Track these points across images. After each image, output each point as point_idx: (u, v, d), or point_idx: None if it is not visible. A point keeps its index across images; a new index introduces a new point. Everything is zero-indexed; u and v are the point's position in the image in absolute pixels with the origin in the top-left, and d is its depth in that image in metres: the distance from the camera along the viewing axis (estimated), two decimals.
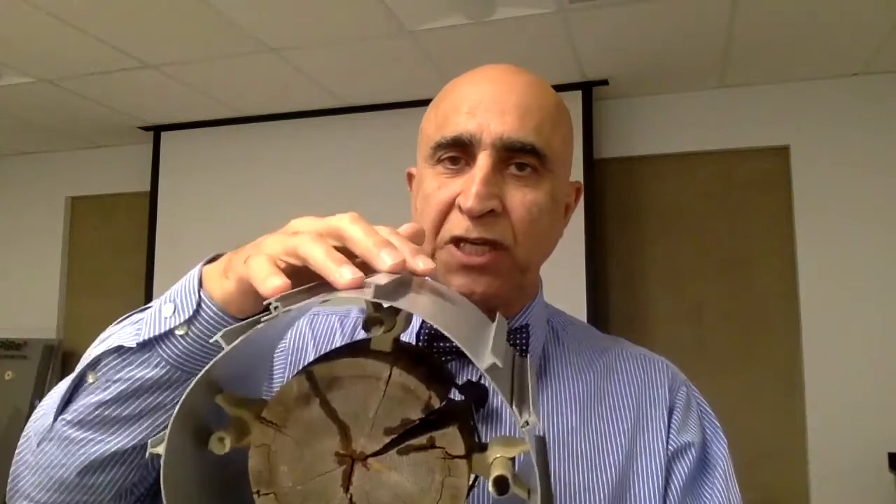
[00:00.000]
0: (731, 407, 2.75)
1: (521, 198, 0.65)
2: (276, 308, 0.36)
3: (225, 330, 0.37)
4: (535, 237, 0.66)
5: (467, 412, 0.41)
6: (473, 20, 2.31)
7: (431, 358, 0.41)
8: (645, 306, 2.93)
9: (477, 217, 0.62)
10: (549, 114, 0.68)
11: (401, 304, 0.37)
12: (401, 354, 0.40)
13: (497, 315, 0.46)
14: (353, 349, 0.39)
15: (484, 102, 0.66)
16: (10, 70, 2.71)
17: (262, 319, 0.37)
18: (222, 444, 0.38)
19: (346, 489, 0.38)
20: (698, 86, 2.90)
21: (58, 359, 3.47)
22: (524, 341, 0.70)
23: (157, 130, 3.42)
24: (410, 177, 0.77)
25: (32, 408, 3.33)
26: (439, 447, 0.38)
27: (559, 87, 2.82)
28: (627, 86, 2.89)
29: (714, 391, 3.12)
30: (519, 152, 0.65)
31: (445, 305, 0.42)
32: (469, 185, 0.62)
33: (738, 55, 2.59)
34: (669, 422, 0.70)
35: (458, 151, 0.66)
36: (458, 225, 0.64)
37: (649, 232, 2.98)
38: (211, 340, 0.39)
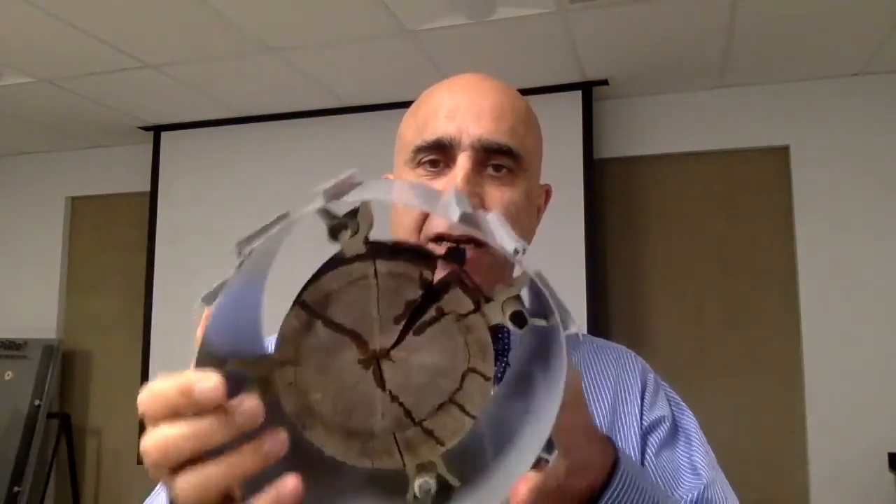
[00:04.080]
0: (731, 407, 2.76)
1: (500, 196, 0.68)
2: (239, 253, 0.36)
3: (204, 294, 0.37)
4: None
5: (459, 273, 0.42)
6: (473, 20, 2.31)
7: (406, 243, 0.41)
8: (645, 306, 2.93)
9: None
10: (522, 117, 0.72)
11: (353, 195, 0.37)
12: (377, 249, 0.40)
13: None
14: (331, 264, 0.39)
15: (461, 107, 0.70)
16: (10, 70, 2.71)
17: (234, 270, 0.37)
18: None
19: (383, 387, 0.39)
20: (698, 86, 2.90)
21: (58, 359, 3.46)
22: (505, 338, 0.75)
23: (157, 130, 3.42)
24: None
25: (32, 408, 3.33)
26: (448, 312, 0.39)
27: (559, 88, 2.85)
28: (627, 86, 2.89)
29: (714, 391, 3.12)
30: (496, 154, 0.69)
31: (394, 185, 0.42)
32: (450, 185, 0.65)
33: (738, 55, 2.59)
34: (642, 403, 0.75)
35: (438, 154, 0.69)
36: (440, 224, 0.67)
37: (649, 232, 2.98)
38: (193, 307, 0.38)
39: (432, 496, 0.40)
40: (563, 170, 2.77)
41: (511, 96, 0.73)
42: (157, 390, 0.36)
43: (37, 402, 3.33)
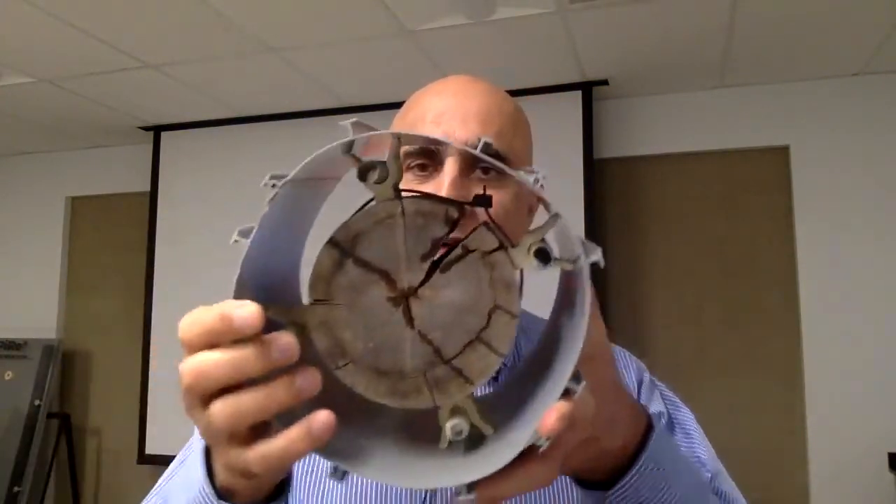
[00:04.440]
0: (731, 407, 2.76)
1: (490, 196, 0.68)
2: (273, 185, 0.38)
3: (239, 229, 0.38)
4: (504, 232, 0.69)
5: (485, 215, 0.43)
6: (473, 20, 2.31)
7: (433, 195, 0.43)
8: (645, 306, 2.93)
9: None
10: (510, 119, 0.72)
11: (380, 132, 0.39)
12: (404, 194, 0.41)
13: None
14: (363, 208, 0.41)
15: (448, 111, 0.70)
16: (10, 70, 2.71)
17: (266, 202, 0.39)
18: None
19: (412, 325, 0.39)
20: (698, 86, 2.90)
21: (58, 359, 3.46)
22: None
23: (157, 130, 3.42)
24: None
25: (32, 408, 3.33)
26: (473, 250, 0.40)
27: (559, 88, 2.85)
28: (627, 86, 2.89)
29: (714, 391, 3.12)
30: None
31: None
32: (438, 189, 0.66)
33: (738, 55, 2.59)
34: (639, 398, 0.75)
35: (425, 159, 0.69)
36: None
37: (649, 232, 2.98)
38: (230, 242, 0.39)
39: (464, 439, 0.40)
40: (563, 170, 2.77)
41: (499, 98, 0.73)
42: (197, 317, 0.37)
43: (37, 402, 3.33)
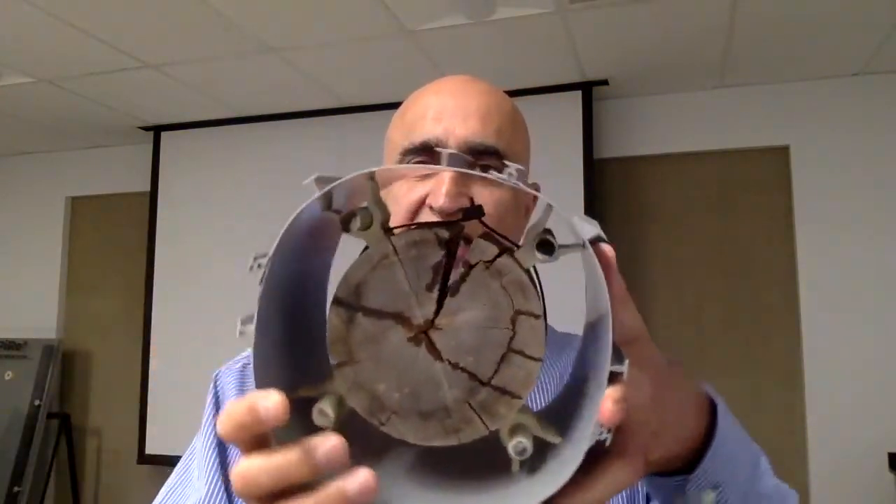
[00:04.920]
0: (730, 407, 2.75)
1: (487, 196, 0.69)
2: (259, 266, 0.37)
3: (241, 317, 0.37)
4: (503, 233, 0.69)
5: (478, 225, 0.42)
6: (473, 20, 2.31)
7: (423, 223, 0.42)
8: (645, 306, 2.93)
9: (448, 215, 0.66)
10: (509, 118, 0.73)
11: (349, 176, 0.38)
12: (392, 232, 0.40)
13: None
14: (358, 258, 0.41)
15: (448, 109, 0.70)
16: (10, 70, 2.71)
17: (258, 283, 0.37)
18: (327, 417, 0.38)
19: (440, 358, 0.38)
20: (698, 86, 2.90)
21: (58, 359, 3.47)
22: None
23: (157, 130, 3.42)
24: None
25: (32, 408, 3.33)
26: (476, 264, 0.38)
27: (559, 88, 2.85)
28: (627, 86, 2.89)
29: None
30: (483, 155, 0.69)
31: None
32: (439, 186, 0.66)
33: (738, 55, 2.59)
34: None
35: (425, 156, 0.70)
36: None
37: (649, 232, 2.98)
38: (236, 335, 0.39)
39: (529, 456, 0.38)
40: (563, 170, 2.77)
41: (498, 98, 0.74)
42: (230, 411, 0.36)
43: (37, 402, 3.33)
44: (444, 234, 0.39)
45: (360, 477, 0.34)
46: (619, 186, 3.02)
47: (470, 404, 0.38)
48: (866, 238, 2.71)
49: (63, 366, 3.58)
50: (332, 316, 0.38)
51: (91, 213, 3.76)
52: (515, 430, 0.38)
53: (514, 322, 0.38)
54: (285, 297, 0.41)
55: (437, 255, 0.38)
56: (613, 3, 2.19)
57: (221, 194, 3.30)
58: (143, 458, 3.24)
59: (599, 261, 0.39)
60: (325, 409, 0.38)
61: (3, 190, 3.87)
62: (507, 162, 0.38)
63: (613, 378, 0.36)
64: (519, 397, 0.38)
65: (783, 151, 2.85)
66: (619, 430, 0.38)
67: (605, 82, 2.83)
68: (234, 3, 2.19)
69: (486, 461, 0.40)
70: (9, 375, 3.41)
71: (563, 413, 0.43)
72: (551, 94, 2.84)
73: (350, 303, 0.38)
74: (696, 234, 2.92)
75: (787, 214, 2.82)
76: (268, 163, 3.26)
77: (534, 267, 0.40)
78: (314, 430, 0.37)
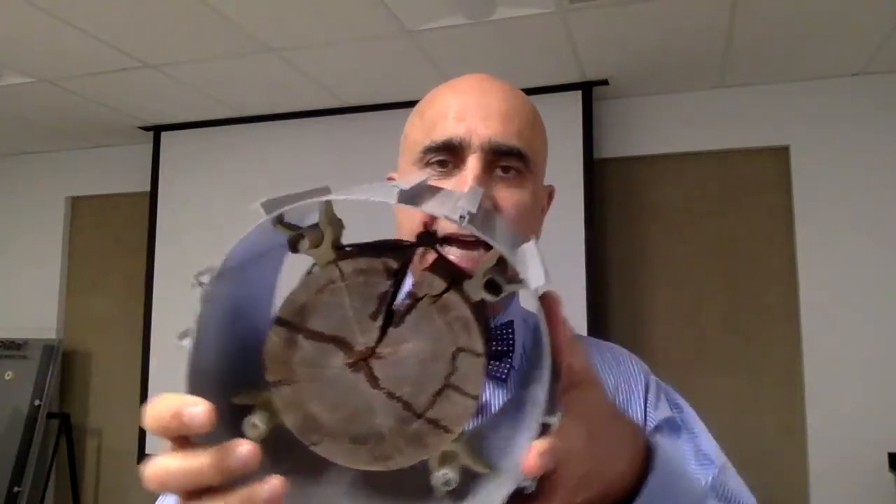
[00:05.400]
0: (730, 407, 2.76)
1: (509, 197, 0.68)
2: (200, 284, 0.36)
3: (179, 332, 0.37)
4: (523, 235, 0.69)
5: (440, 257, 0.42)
6: (473, 20, 2.31)
7: (376, 242, 0.42)
8: (645, 306, 2.93)
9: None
10: (529, 119, 0.72)
11: (295, 203, 0.37)
12: (345, 253, 0.40)
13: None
14: (305, 276, 0.40)
15: (470, 108, 0.70)
16: (10, 70, 2.71)
17: (199, 302, 0.37)
18: (257, 428, 0.38)
19: (378, 386, 0.38)
20: (698, 86, 2.90)
21: (58, 359, 3.46)
22: (510, 337, 0.74)
23: (157, 130, 3.42)
24: (391, 180, 0.80)
25: (32, 407, 3.33)
26: (422, 297, 0.38)
27: (559, 88, 2.85)
28: (627, 86, 2.89)
29: (714, 391, 3.11)
30: (505, 155, 0.69)
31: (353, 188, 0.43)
32: (462, 186, 0.65)
33: (738, 55, 2.59)
34: (646, 403, 0.76)
35: (447, 155, 0.69)
36: (449, 224, 0.65)
37: (649, 232, 2.98)
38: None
39: (455, 487, 0.39)
40: (563, 170, 2.77)
41: (518, 97, 0.73)
42: (156, 408, 0.36)
43: (37, 402, 3.33)
44: (393, 264, 0.38)
45: (270, 484, 0.35)
46: (619, 186, 3.02)
47: (402, 434, 0.38)
48: (866, 238, 2.71)
49: (63, 366, 3.58)
50: (272, 335, 0.38)
51: (91, 213, 3.76)
52: (445, 458, 0.39)
53: (454, 358, 0.38)
54: (227, 315, 0.41)
55: (385, 284, 0.38)
56: (613, 3, 2.19)
57: (221, 194, 3.30)
58: (143, 458, 3.24)
59: (545, 310, 0.38)
60: (256, 423, 0.38)
61: (3, 190, 3.87)
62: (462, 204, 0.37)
63: (545, 428, 0.36)
64: (451, 431, 0.38)
65: (783, 151, 2.85)
66: (545, 476, 0.38)
67: (605, 82, 2.83)
68: (234, 3, 2.19)
69: (423, 485, 0.40)
70: (9, 375, 3.41)
71: (500, 433, 0.43)
72: (551, 94, 2.84)
73: (293, 323, 0.38)
74: (696, 234, 2.92)
75: (787, 214, 2.82)
76: (268, 163, 3.26)
77: (483, 300, 0.40)
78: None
